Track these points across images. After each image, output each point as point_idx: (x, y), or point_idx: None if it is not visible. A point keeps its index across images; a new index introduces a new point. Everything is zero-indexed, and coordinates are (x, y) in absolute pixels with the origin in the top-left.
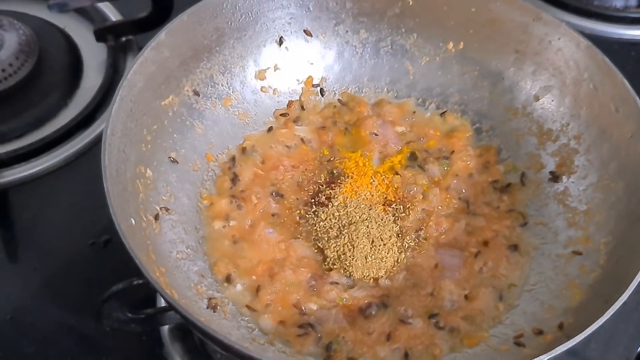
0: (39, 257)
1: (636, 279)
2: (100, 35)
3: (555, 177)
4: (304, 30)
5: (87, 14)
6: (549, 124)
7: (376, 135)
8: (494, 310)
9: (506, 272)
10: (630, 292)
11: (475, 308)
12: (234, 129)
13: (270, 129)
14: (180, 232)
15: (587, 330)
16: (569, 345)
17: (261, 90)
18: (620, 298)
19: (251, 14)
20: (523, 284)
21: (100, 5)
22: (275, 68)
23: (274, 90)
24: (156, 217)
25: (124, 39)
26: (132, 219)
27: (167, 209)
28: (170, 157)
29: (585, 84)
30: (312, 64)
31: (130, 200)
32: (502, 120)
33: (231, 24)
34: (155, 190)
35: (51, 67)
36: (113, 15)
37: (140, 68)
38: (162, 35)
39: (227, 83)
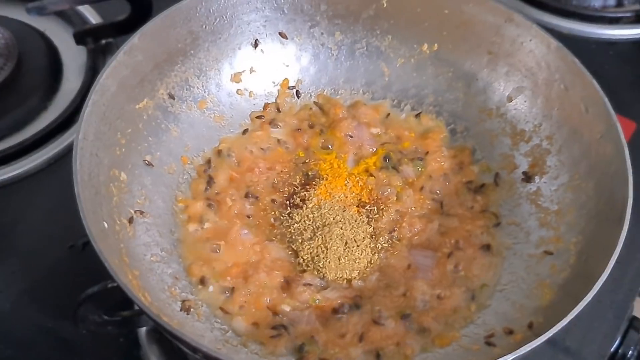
0: (17, 260)
1: (602, 277)
2: (80, 38)
3: (528, 178)
4: (279, 33)
5: (67, 16)
6: (522, 125)
7: (351, 137)
8: (466, 310)
9: (479, 272)
10: (595, 292)
11: (447, 308)
12: (210, 132)
13: (245, 131)
14: (154, 235)
15: (553, 328)
16: (537, 344)
17: (237, 92)
18: (586, 297)
19: (225, 17)
20: (495, 283)
21: (80, 8)
22: (251, 70)
23: (249, 92)
24: (130, 221)
25: (103, 41)
26: (104, 223)
27: (141, 212)
28: (145, 161)
29: (557, 85)
30: (287, 66)
31: (103, 203)
32: (477, 121)
33: (205, 27)
34: (130, 193)
35: (31, 70)
36: (93, 18)
37: (113, 72)
38: (135, 39)
39: (203, 86)
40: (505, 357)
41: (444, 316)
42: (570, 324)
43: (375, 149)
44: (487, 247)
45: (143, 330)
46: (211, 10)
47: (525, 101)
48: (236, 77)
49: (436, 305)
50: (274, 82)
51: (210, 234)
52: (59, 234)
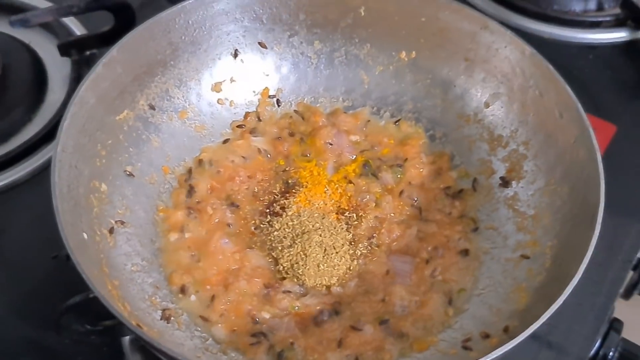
0: (1, 272)
1: (574, 281)
2: (65, 49)
3: (505, 183)
4: (259, 43)
5: (52, 28)
6: (499, 130)
7: (331, 144)
8: (444, 315)
9: (456, 277)
10: (567, 295)
11: (425, 313)
12: (191, 142)
13: (226, 141)
14: (135, 245)
15: (526, 331)
16: (510, 346)
17: (218, 102)
18: (558, 300)
19: (205, 28)
20: (473, 288)
21: (65, 19)
22: (231, 80)
23: (230, 102)
24: (111, 231)
25: (87, 52)
26: (84, 234)
27: (122, 222)
28: (126, 171)
29: (532, 91)
30: (267, 75)
31: (83, 215)
32: (455, 127)
33: (185, 38)
34: (111, 204)
35: (15, 82)
36: (77, 29)
37: (92, 84)
38: (114, 52)
39: (183, 96)
40: None
41: (422, 321)
42: (551, 328)
43: (354, 157)
44: (465, 252)
45: (127, 339)
46: (190, 22)
47: (501, 107)
48: (217, 87)
49: (414, 310)
50: (254, 91)
51: (191, 242)
52: (43, 245)
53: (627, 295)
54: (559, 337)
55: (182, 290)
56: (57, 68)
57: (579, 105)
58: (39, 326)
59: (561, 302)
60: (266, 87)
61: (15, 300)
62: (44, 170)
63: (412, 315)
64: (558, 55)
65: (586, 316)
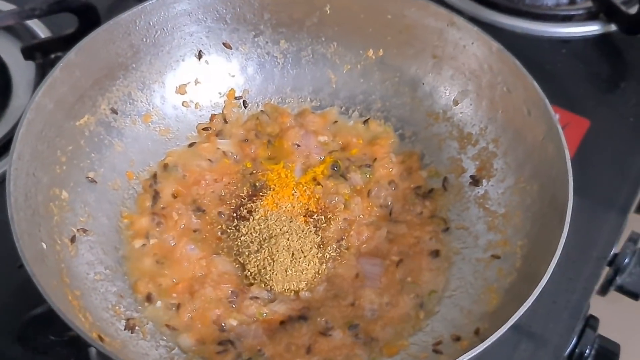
0: None
1: (542, 281)
2: (28, 53)
3: (475, 181)
4: (223, 43)
5: (15, 31)
6: (468, 128)
7: (299, 145)
8: (415, 318)
9: (427, 279)
10: (536, 295)
11: (395, 317)
12: (156, 146)
13: (192, 144)
14: (98, 253)
15: (495, 334)
16: (481, 349)
17: (182, 104)
18: (527, 300)
19: (166, 29)
20: (443, 289)
21: (29, 22)
22: (196, 82)
23: (195, 104)
24: (72, 239)
25: (52, 56)
26: (42, 244)
27: (84, 230)
28: (88, 177)
29: (500, 88)
30: (233, 76)
31: (42, 224)
32: (424, 126)
33: (146, 40)
34: (72, 211)
35: None
36: (42, 32)
37: (49, 90)
38: (72, 55)
39: (147, 99)
40: None
41: (393, 325)
42: (525, 326)
43: (323, 158)
44: (436, 253)
45: (93, 349)
46: (151, 23)
47: (470, 104)
48: (181, 89)
49: (384, 313)
50: (220, 93)
51: (156, 249)
52: (8, 254)
53: (604, 291)
54: (534, 335)
55: (148, 298)
56: (21, 72)
57: (547, 102)
58: (3, 338)
59: (530, 303)
60: (232, 89)
61: None
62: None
63: (382, 319)
64: (531, 50)
65: (561, 314)
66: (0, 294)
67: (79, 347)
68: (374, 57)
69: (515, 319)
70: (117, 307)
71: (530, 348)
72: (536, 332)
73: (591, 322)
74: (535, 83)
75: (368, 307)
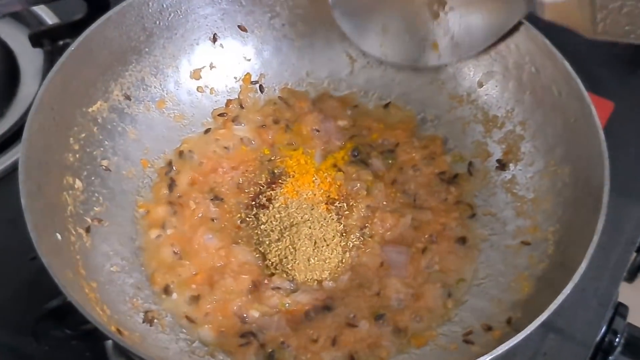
0: None
1: (581, 268)
2: (36, 40)
3: (502, 165)
4: (239, 26)
5: (23, 18)
6: (494, 111)
7: (318, 131)
8: (443, 307)
9: (454, 267)
10: (575, 282)
11: (422, 306)
12: (170, 133)
13: (208, 130)
14: (114, 244)
15: (532, 324)
16: (516, 341)
17: (197, 90)
18: (565, 288)
19: (180, 11)
20: (472, 278)
21: (36, 8)
22: (211, 66)
23: (210, 89)
24: (87, 230)
25: (61, 42)
26: (57, 235)
27: (99, 221)
28: (102, 166)
29: (527, 68)
30: (249, 60)
31: (56, 214)
32: (447, 109)
33: (159, 23)
34: (86, 201)
35: None
36: (49, 18)
37: (59, 76)
38: (83, 39)
39: (160, 85)
40: (483, 357)
41: (420, 314)
42: (553, 315)
43: (343, 143)
44: (462, 240)
45: (110, 342)
46: (164, 5)
47: (496, 86)
48: (195, 74)
49: (411, 303)
50: (235, 78)
51: (173, 239)
52: (20, 246)
53: (631, 277)
54: (562, 323)
55: (166, 290)
56: (29, 60)
57: (579, 82)
58: (17, 332)
59: (568, 291)
60: (248, 73)
61: None
62: (17, 168)
63: (409, 308)
64: (553, 30)
65: (590, 302)
66: (13, 287)
67: (95, 341)
68: None
69: (553, 308)
70: (135, 300)
71: (558, 337)
72: (564, 321)
73: (620, 310)
74: (566, 62)
75: (394, 296)
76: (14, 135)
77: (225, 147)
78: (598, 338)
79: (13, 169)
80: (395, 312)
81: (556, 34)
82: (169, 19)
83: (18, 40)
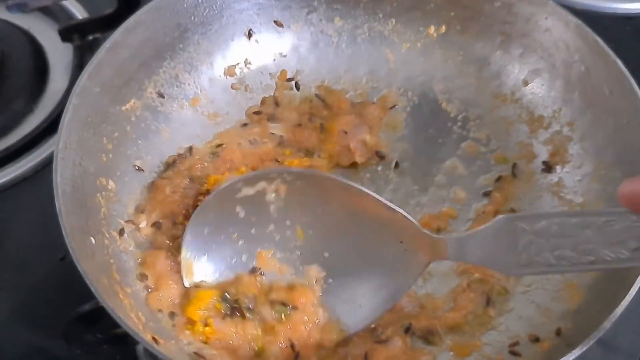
0: (5, 275)
1: (639, 278)
2: (66, 35)
3: (548, 168)
4: (275, 21)
5: (52, 13)
6: (540, 110)
7: (346, 133)
8: (484, 315)
9: (496, 274)
10: (632, 296)
11: (461, 316)
12: (204, 131)
13: (245, 125)
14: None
15: (589, 338)
16: (572, 358)
17: (232, 87)
18: (623, 301)
19: (215, 6)
20: (515, 285)
21: (65, 3)
22: (246, 63)
23: (245, 86)
24: (121, 232)
25: (90, 37)
26: (91, 238)
27: (133, 223)
28: (135, 166)
29: (577, 66)
30: (285, 56)
31: (89, 217)
32: (490, 108)
33: (194, 18)
34: (120, 203)
35: (15, 71)
36: (79, 12)
37: (95, 72)
38: (118, 36)
39: (194, 82)
40: None
41: (460, 324)
42: None
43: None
44: None
45: (141, 347)
46: (199, 0)
47: (542, 85)
48: (230, 71)
49: (449, 313)
50: (271, 74)
51: None
52: (49, 246)
53: None
54: (606, 333)
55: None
56: (59, 55)
57: (633, 81)
58: (47, 334)
59: (627, 303)
60: (284, 70)
61: (21, 305)
62: (48, 164)
63: (446, 318)
64: (592, 26)
65: (635, 308)
66: (44, 288)
67: (126, 345)
68: (435, 35)
69: (613, 320)
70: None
71: (599, 352)
72: (609, 329)
73: None
74: (619, 61)
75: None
76: (43, 132)
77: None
78: None
79: (43, 166)
80: (430, 321)
81: (595, 30)
82: (204, 14)
83: (47, 36)
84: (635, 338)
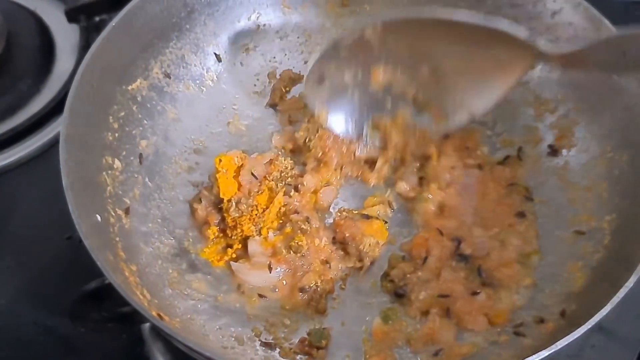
0: (12, 254)
1: None
2: (72, 15)
3: (554, 151)
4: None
5: None
6: (546, 94)
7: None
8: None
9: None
10: (638, 275)
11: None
12: (210, 112)
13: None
14: (155, 225)
15: (592, 319)
16: (574, 337)
17: (238, 67)
18: (627, 282)
19: None
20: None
21: None
22: (252, 45)
23: (251, 68)
24: (127, 211)
25: (97, 18)
26: (97, 216)
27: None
28: (140, 146)
29: None
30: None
31: (96, 195)
32: None
33: None
34: (125, 182)
35: (21, 52)
36: None
37: (100, 52)
38: (123, 15)
39: (201, 63)
40: (540, 352)
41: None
42: None
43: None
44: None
45: (147, 326)
46: None
47: (549, 68)
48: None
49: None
50: (275, 58)
51: None
52: (56, 225)
53: None
54: (607, 318)
55: None
56: (65, 35)
57: None
58: (53, 312)
59: (631, 284)
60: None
61: (27, 284)
62: (54, 145)
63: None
64: (603, 11)
65: (637, 294)
66: (50, 268)
67: (131, 323)
68: None
69: (616, 302)
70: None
71: (601, 339)
72: (610, 314)
73: None
74: None
75: None
76: (50, 112)
77: None
78: None
79: (50, 146)
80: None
81: (606, 15)
82: None
83: (54, 16)
84: (638, 323)
